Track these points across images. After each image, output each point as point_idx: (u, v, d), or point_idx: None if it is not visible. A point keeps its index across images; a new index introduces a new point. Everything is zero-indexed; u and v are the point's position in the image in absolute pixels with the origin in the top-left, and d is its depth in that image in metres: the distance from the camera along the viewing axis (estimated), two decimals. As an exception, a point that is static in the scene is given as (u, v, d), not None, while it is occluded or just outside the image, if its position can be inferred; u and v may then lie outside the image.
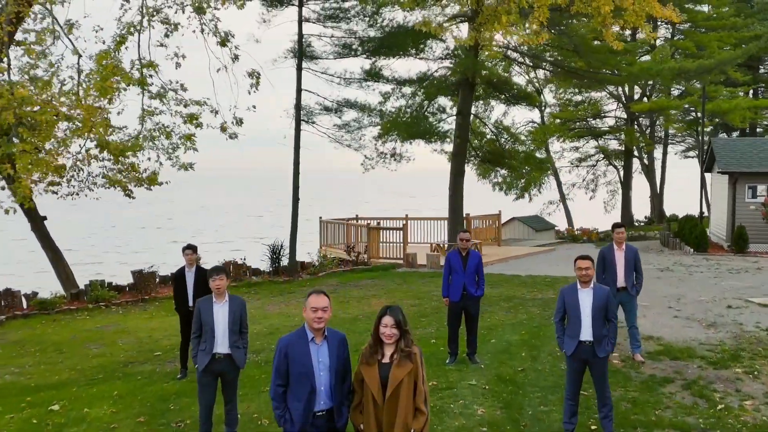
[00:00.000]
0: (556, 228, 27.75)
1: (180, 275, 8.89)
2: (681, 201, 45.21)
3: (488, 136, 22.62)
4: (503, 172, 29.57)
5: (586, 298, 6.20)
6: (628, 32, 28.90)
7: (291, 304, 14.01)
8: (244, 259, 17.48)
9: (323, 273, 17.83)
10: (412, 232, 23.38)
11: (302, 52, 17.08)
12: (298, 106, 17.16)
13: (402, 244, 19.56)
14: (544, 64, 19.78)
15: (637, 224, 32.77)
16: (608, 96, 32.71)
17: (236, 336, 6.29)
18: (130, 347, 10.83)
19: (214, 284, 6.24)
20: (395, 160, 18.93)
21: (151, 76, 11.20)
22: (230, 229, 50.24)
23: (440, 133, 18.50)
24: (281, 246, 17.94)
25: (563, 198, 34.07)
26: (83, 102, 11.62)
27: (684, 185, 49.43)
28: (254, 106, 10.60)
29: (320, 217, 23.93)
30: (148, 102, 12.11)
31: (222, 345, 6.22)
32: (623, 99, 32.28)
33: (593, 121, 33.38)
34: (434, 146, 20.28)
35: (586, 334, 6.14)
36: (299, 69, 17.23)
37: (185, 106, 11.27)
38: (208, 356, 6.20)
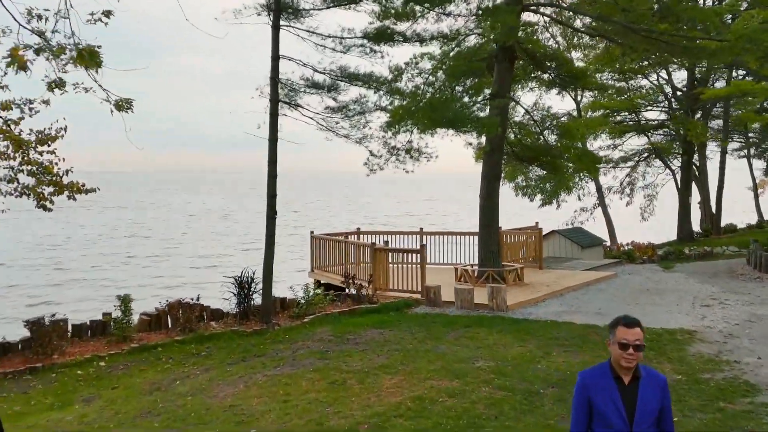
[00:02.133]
0: (604, 243, 22.53)
1: None
2: (728, 208, 39.99)
3: (527, 127, 17.39)
4: (535, 172, 24.48)
5: None
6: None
7: (254, 383, 8.79)
8: (196, 299, 12.25)
9: (311, 316, 12.63)
10: (430, 250, 18.19)
11: (280, 3, 11.90)
12: (274, 81, 11.97)
13: (418, 267, 14.34)
14: (609, 27, 14.57)
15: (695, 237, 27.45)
16: (655, 84, 27.43)
17: None
18: None
19: None
20: (411, 157, 13.74)
21: None
22: (211, 243, 44.25)
23: (477, 120, 13.16)
24: (251, 279, 12.73)
25: (603, 205, 28.80)
26: None
27: (730, 190, 44.11)
28: (107, 14, 5.23)
29: (311, 232, 18.75)
30: None
31: None
32: (670, 84, 27.08)
33: (632, 113, 28.01)
34: (468, 138, 15.04)
35: None
36: (275, 27, 12.04)
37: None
38: None
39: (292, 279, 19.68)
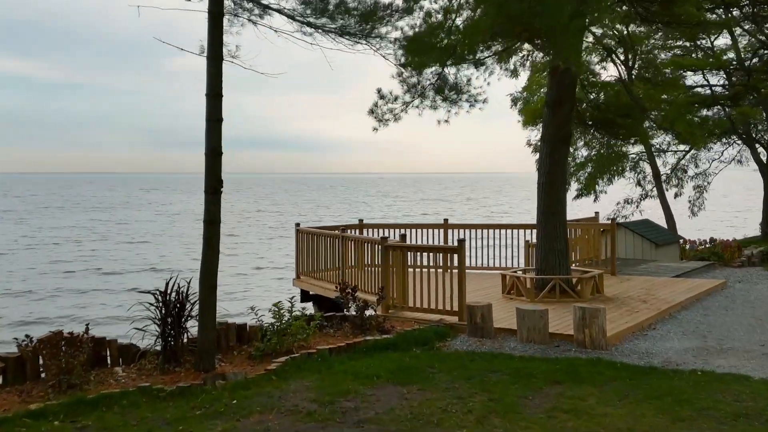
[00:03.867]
0: (680, 240, 17.51)
1: None
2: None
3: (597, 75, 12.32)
4: (580, 153, 19.51)
5: None
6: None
7: None
8: (86, 330, 7.23)
9: (282, 358, 7.56)
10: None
11: None
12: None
13: (454, 275, 9.33)
14: None
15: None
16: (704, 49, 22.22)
17: None
18: None
19: None
20: (445, 99, 8.74)
21: None
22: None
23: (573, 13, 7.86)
24: (185, 295, 7.67)
25: (662, 194, 23.62)
26: None
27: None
28: None
29: (296, 225, 13.75)
30: None
31: None
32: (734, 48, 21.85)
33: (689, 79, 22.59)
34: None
35: None
36: None
37: None
38: None
39: (265, 297, 14.73)
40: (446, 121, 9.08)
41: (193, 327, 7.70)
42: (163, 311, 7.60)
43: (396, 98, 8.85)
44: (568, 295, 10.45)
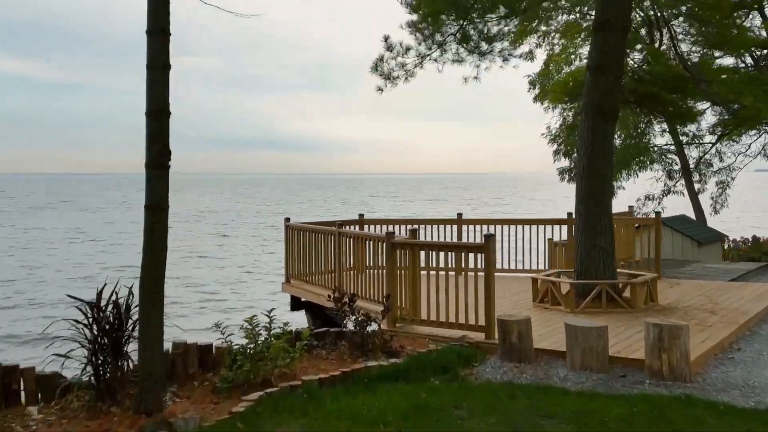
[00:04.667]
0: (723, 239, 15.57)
1: None
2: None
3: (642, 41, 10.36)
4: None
5: None
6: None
7: None
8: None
9: (255, 395, 5.58)
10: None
11: None
12: None
13: (479, 279, 7.37)
14: None
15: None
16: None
17: None
18: None
19: None
20: (471, 51, 6.83)
21: None
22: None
23: None
24: (126, 305, 5.70)
25: (691, 188, 21.65)
26: None
27: None
28: None
29: (286, 220, 11.79)
30: None
31: None
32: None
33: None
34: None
35: None
36: None
37: None
38: None
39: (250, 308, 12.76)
40: (475, 77, 7.17)
41: (135, 351, 5.75)
42: (95, 330, 5.64)
43: (408, 50, 6.94)
44: (617, 303, 8.49)
